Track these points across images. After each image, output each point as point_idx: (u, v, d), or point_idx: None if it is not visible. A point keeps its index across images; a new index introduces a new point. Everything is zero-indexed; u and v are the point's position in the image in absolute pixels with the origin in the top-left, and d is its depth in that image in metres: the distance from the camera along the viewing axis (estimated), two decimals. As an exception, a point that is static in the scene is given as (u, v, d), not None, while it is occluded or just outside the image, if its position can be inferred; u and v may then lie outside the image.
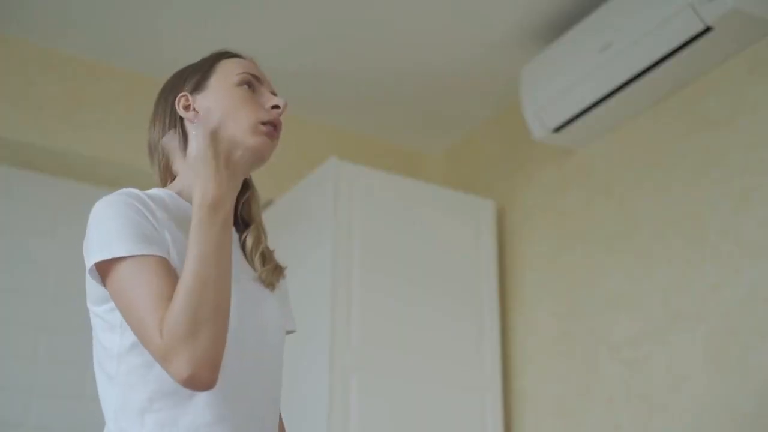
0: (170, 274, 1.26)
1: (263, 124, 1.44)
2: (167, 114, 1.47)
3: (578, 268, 2.89)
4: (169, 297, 1.22)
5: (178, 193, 1.43)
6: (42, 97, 2.97)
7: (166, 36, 2.96)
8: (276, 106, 1.48)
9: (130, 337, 1.28)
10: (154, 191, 1.41)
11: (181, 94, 1.46)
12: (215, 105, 1.43)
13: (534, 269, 3.07)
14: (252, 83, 1.48)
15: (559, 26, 2.90)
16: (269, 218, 3.20)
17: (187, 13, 2.86)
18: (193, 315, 1.19)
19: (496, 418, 2.93)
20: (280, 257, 1.55)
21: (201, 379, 1.19)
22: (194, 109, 1.44)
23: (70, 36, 2.98)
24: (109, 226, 1.28)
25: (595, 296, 2.80)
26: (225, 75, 1.47)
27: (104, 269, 1.27)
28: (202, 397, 1.27)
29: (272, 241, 1.54)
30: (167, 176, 1.48)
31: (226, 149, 1.31)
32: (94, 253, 1.28)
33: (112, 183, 3.08)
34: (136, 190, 1.36)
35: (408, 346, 2.87)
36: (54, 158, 3.01)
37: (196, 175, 1.29)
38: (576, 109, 2.76)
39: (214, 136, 1.31)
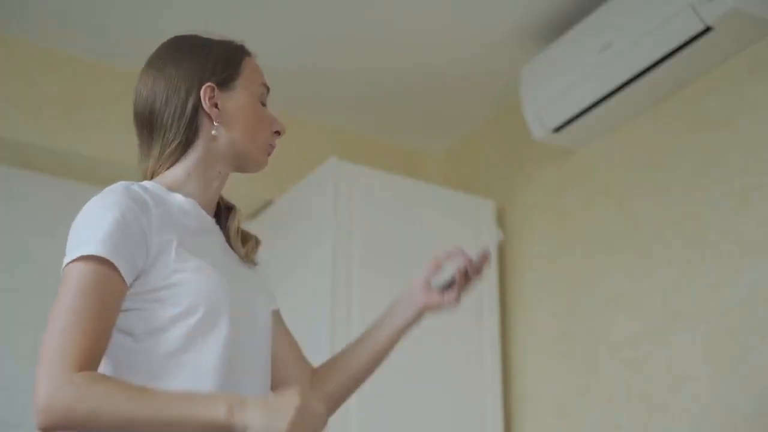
0: (116, 304, 1.25)
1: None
2: (187, 96, 1.42)
3: (578, 268, 2.89)
4: (101, 341, 1.21)
5: (169, 187, 1.42)
6: (42, 97, 2.97)
7: (166, 36, 2.94)
8: (278, 132, 1.51)
9: (173, 309, 1.29)
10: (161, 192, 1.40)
11: (209, 84, 1.43)
12: (238, 114, 1.44)
13: (534, 269, 3.07)
14: (266, 98, 1.51)
15: (559, 26, 2.90)
16: (269, 218, 3.21)
17: (187, 13, 2.86)
18: (103, 415, 1.15)
19: (496, 418, 2.93)
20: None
21: (44, 419, 1.16)
22: (217, 106, 1.43)
23: (70, 36, 2.98)
24: (93, 223, 1.29)
25: (595, 296, 2.80)
26: (250, 81, 1.48)
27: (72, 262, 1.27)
28: (208, 374, 1.28)
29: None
30: (171, 159, 1.43)
31: None
32: (84, 245, 1.28)
33: (112, 183, 3.07)
34: (138, 189, 1.35)
35: (408, 346, 2.86)
36: (54, 158, 3.01)
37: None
38: (576, 109, 2.76)
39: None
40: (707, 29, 2.39)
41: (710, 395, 2.37)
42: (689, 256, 2.52)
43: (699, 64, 2.54)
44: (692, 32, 2.41)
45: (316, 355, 2.74)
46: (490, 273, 3.10)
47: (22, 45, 2.99)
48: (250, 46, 1.54)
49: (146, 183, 1.40)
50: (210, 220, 1.45)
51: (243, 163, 1.47)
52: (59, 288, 1.26)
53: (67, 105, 3.01)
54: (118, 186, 1.34)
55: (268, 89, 1.51)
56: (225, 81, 1.45)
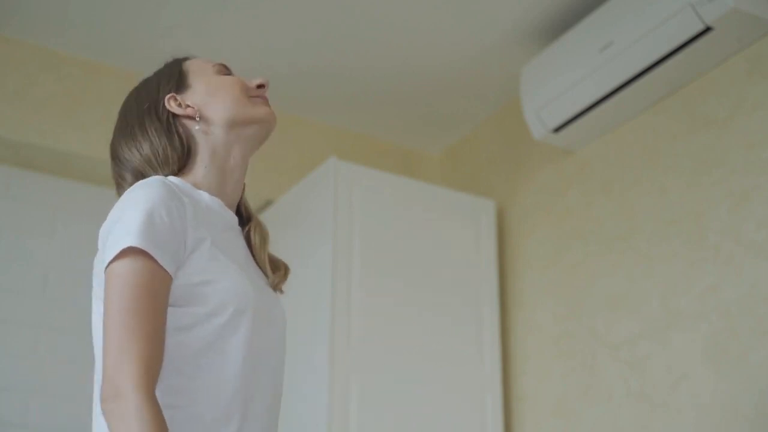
0: (167, 298, 1.26)
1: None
2: (160, 121, 1.44)
3: (578, 268, 2.89)
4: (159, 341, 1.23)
5: (193, 185, 1.43)
6: (42, 97, 2.97)
7: (165, 35, 2.96)
8: (261, 85, 1.51)
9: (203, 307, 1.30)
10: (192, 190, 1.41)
11: (169, 95, 1.45)
12: (207, 96, 1.46)
13: (534, 269, 3.07)
14: (229, 71, 1.52)
15: (559, 26, 2.90)
16: (269, 218, 3.21)
17: (187, 12, 2.86)
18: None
19: (496, 418, 2.93)
20: (281, 257, 1.57)
21: (103, 407, 1.19)
22: (188, 106, 1.45)
23: (70, 36, 2.98)
24: (133, 217, 1.27)
25: (595, 296, 2.80)
26: (200, 70, 1.50)
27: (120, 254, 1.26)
28: (231, 375, 1.30)
29: (272, 241, 1.56)
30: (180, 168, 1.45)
31: None
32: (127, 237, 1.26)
33: (112, 183, 3.07)
34: (172, 184, 1.34)
35: (408, 346, 2.87)
36: (54, 158, 3.01)
37: None
38: (576, 109, 2.76)
39: None
40: (707, 29, 2.39)
41: (710, 395, 2.37)
42: (689, 256, 2.52)
43: (699, 64, 2.55)
44: (692, 32, 2.41)
45: (316, 354, 2.75)
46: (490, 273, 3.10)
47: (22, 45, 2.99)
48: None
49: (174, 179, 1.40)
50: (234, 220, 1.46)
51: (248, 128, 1.47)
52: (108, 286, 1.25)
53: (67, 105, 3.01)
54: (154, 180, 1.34)
55: (224, 66, 1.52)
56: (178, 85, 1.47)
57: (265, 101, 1.50)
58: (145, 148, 1.43)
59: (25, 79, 2.96)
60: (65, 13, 2.87)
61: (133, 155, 1.44)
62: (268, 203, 3.26)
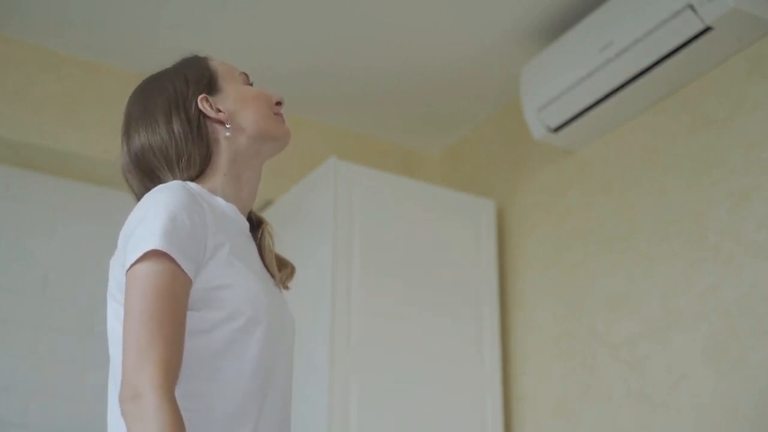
0: (186, 302, 1.26)
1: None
2: (189, 121, 1.43)
3: (578, 268, 2.89)
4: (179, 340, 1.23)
5: (209, 191, 1.43)
6: (42, 97, 2.97)
7: (165, 36, 2.96)
8: (279, 103, 1.53)
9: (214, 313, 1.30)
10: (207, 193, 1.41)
11: (202, 96, 1.45)
12: (239, 105, 1.46)
13: (534, 269, 3.07)
14: (250, 81, 1.53)
15: (559, 26, 2.90)
16: (269, 218, 3.20)
17: (186, 12, 2.86)
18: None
19: (496, 418, 2.93)
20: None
21: (121, 408, 1.19)
22: (220, 110, 1.45)
23: (69, 35, 2.98)
24: (155, 220, 1.27)
25: (595, 296, 2.80)
26: (228, 75, 1.50)
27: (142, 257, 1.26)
28: (245, 380, 1.30)
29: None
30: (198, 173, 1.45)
31: None
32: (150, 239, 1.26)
33: (112, 183, 3.08)
34: (192, 189, 1.35)
35: (408, 346, 2.87)
36: (54, 158, 3.01)
37: None
38: (576, 109, 2.76)
39: None
40: (707, 29, 2.39)
41: (710, 395, 2.37)
42: (689, 256, 2.52)
43: (699, 64, 2.55)
44: (692, 32, 2.41)
45: (316, 354, 2.75)
46: (490, 273, 3.11)
47: (22, 45, 2.99)
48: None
49: (192, 184, 1.39)
50: (247, 226, 1.46)
51: (269, 143, 1.48)
52: (129, 288, 1.25)
53: (67, 105, 3.01)
54: (175, 184, 1.34)
55: (247, 75, 1.53)
56: (210, 87, 1.47)
57: (284, 119, 1.52)
58: (166, 145, 1.42)
59: (25, 79, 2.96)
60: (65, 13, 2.87)
61: (151, 149, 1.43)
62: (268, 203, 3.27)
